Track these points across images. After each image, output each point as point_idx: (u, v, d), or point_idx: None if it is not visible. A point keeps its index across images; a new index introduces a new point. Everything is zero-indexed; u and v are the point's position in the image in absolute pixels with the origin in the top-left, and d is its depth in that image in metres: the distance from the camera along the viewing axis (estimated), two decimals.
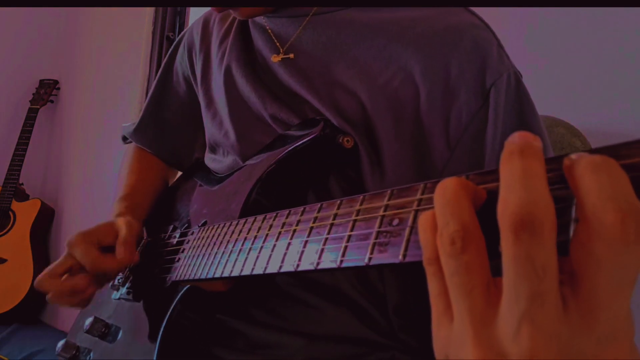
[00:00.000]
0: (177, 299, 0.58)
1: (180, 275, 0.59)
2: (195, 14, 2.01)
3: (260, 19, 0.71)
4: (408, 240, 0.29)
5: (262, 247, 0.45)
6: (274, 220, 0.46)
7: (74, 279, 0.65)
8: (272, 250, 0.43)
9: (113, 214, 0.76)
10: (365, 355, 0.60)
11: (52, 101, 2.24)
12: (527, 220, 0.22)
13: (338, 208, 0.37)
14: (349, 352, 0.60)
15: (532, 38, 1.12)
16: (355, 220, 0.35)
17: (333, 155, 0.58)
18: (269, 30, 0.69)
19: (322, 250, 0.36)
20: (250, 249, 0.47)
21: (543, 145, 0.25)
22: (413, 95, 0.58)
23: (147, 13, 1.96)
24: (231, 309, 0.63)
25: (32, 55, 2.28)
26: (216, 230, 0.57)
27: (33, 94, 2.18)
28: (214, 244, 0.55)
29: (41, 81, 2.22)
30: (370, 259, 0.31)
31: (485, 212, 0.25)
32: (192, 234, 0.64)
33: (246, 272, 0.45)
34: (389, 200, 0.33)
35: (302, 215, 0.42)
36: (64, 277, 0.66)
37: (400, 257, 0.29)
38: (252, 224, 0.49)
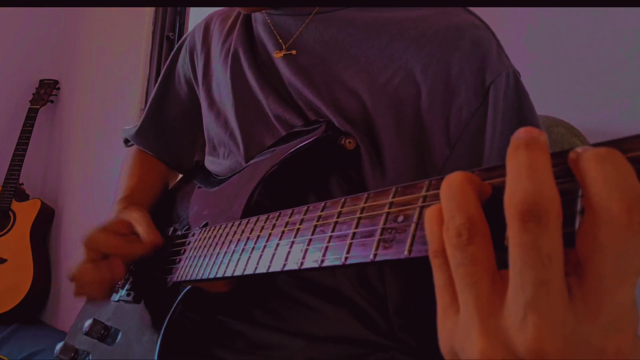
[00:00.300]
0: (178, 299, 0.58)
1: (182, 276, 0.59)
2: (196, 14, 2.01)
3: (263, 16, 0.71)
4: (414, 236, 0.30)
5: (265, 246, 0.45)
6: (277, 219, 0.46)
7: (110, 266, 0.64)
8: (276, 249, 0.43)
9: (113, 215, 0.76)
10: (365, 355, 0.60)
11: (52, 101, 2.24)
12: (533, 209, 0.22)
13: (342, 206, 0.37)
14: (349, 352, 0.60)
15: (532, 38, 1.12)
16: (359, 218, 0.35)
17: (335, 157, 0.58)
18: (272, 27, 0.70)
19: (327, 247, 0.36)
20: (253, 249, 0.47)
21: None
22: (414, 94, 0.58)
23: (147, 13, 1.96)
24: (232, 310, 0.63)
25: (32, 55, 2.28)
26: (218, 230, 0.57)
27: (33, 94, 2.18)
28: (216, 244, 0.55)
29: (41, 81, 2.22)
30: (375, 255, 0.31)
31: (490, 206, 0.25)
32: (193, 235, 0.64)
33: (249, 271, 0.45)
34: (393, 197, 0.33)
35: (305, 214, 0.42)
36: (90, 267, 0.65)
37: (406, 252, 0.29)
38: (255, 224, 0.49)
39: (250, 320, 0.62)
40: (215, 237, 0.56)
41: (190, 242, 0.64)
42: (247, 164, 0.67)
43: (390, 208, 0.32)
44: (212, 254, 0.55)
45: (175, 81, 0.87)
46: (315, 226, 0.39)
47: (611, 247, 0.22)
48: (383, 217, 0.32)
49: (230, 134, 0.72)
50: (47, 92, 2.19)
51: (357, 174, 0.59)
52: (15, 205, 2.02)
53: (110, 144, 1.92)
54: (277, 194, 0.60)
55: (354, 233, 0.34)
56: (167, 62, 0.89)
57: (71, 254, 2.00)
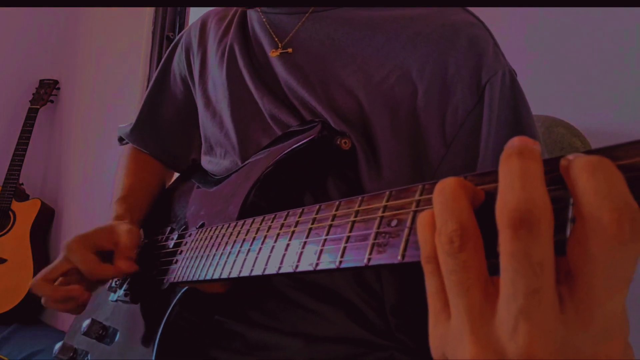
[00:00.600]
0: (175, 300, 0.58)
1: (179, 277, 0.59)
2: (196, 14, 2.01)
3: (259, 15, 0.71)
4: (407, 241, 0.29)
5: (260, 249, 0.45)
6: (272, 221, 0.46)
7: (69, 285, 0.64)
8: (271, 252, 0.43)
9: (112, 216, 0.76)
10: (363, 355, 0.60)
11: (52, 101, 2.24)
12: (525, 217, 0.22)
13: (337, 209, 0.37)
14: (347, 352, 0.60)
15: (532, 38, 1.12)
16: (354, 222, 0.35)
17: (331, 157, 0.58)
18: (268, 26, 0.70)
19: (321, 251, 0.36)
20: (249, 250, 0.47)
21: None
22: (410, 93, 0.58)
23: (147, 13, 1.96)
24: (229, 311, 0.63)
25: (32, 55, 2.28)
26: (214, 231, 0.57)
27: (33, 94, 2.18)
28: (213, 245, 0.55)
29: (41, 81, 2.22)
30: (369, 259, 0.31)
31: (483, 212, 0.25)
32: (190, 235, 0.64)
33: (245, 273, 0.45)
34: (387, 201, 0.33)
35: (300, 216, 0.42)
36: (58, 281, 0.65)
37: (399, 257, 0.29)
38: (251, 226, 0.49)
39: (247, 321, 0.62)
40: (211, 238, 0.56)
41: (187, 242, 0.64)
42: (244, 163, 0.67)
43: (384, 212, 0.32)
44: (208, 255, 0.54)
45: (170, 79, 0.87)
46: (310, 229, 0.39)
47: (602, 257, 0.22)
48: (377, 221, 0.32)
49: (226, 133, 0.71)
50: (47, 92, 2.19)
51: (353, 174, 0.58)
52: (15, 205, 2.02)
53: (110, 144, 1.91)
54: (273, 195, 0.59)
55: (349, 237, 0.34)
56: (162, 60, 0.88)
57: None
